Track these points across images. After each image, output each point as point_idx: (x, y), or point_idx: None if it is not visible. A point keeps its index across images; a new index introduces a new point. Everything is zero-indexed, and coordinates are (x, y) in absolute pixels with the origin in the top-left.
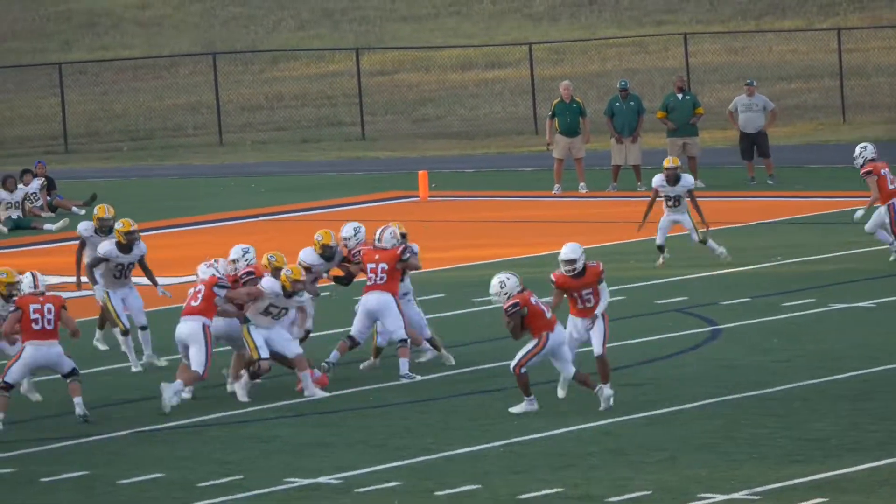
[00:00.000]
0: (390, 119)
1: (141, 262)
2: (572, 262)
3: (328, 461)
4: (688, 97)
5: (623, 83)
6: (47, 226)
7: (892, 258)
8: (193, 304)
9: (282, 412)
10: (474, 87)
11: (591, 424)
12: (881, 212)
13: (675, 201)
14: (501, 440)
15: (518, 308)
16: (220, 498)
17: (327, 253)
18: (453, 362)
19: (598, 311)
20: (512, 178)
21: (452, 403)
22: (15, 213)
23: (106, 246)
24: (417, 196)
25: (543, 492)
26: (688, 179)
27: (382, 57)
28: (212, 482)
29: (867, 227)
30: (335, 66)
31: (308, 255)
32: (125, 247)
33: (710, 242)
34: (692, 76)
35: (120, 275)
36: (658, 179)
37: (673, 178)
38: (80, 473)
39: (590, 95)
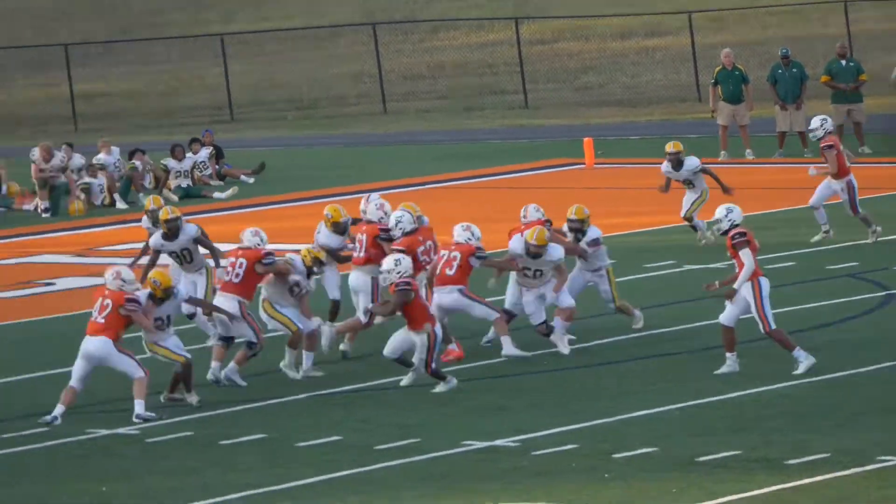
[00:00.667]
0: (552, 87)
1: (198, 242)
2: (717, 221)
3: (505, 424)
4: (851, 63)
5: (784, 50)
6: (217, 194)
7: (814, 239)
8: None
9: (458, 376)
10: (635, 56)
11: (770, 388)
12: (834, 187)
13: (689, 184)
14: (678, 403)
15: (409, 288)
16: (398, 461)
17: (339, 229)
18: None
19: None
20: None
21: (627, 367)
22: (184, 182)
23: (155, 237)
24: (583, 163)
25: (721, 454)
26: (691, 162)
27: (542, 26)
28: (389, 445)
29: (812, 201)
30: (494, 36)
31: (324, 236)
32: (169, 235)
33: (696, 221)
34: (853, 44)
35: (181, 261)
36: (664, 166)
37: (675, 163)
38: (259, 436)
39: (751, 63)
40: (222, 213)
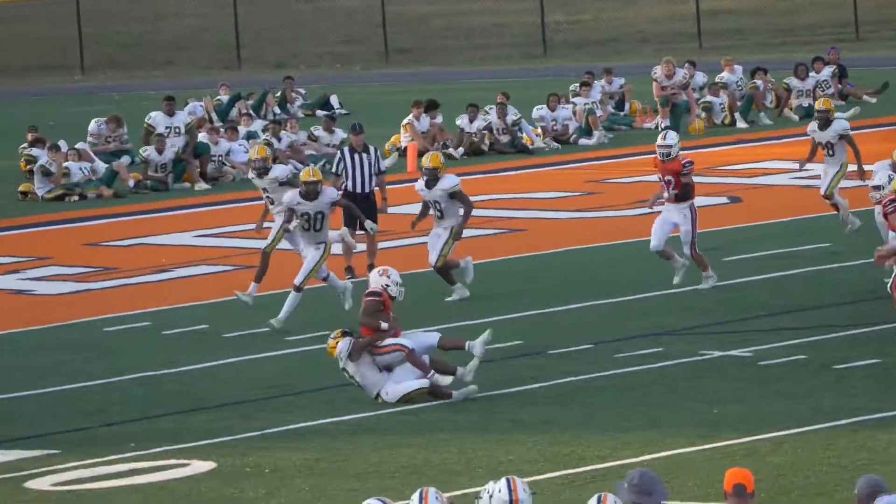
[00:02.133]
0: None
1: (336, 204)
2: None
3: None
4: None
5: None
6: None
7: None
8: None
9: None
10: None
11: None
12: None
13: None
14: None
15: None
16: None
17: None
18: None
19: None
20: None
21: None
22: (805, 102)
23: (289, 194)
24: None
25: None
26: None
27: None
28: None
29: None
30: None
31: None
32: (307, 195)
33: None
34: None
35: (309, 226)
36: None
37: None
38: (873, 361)
39: None
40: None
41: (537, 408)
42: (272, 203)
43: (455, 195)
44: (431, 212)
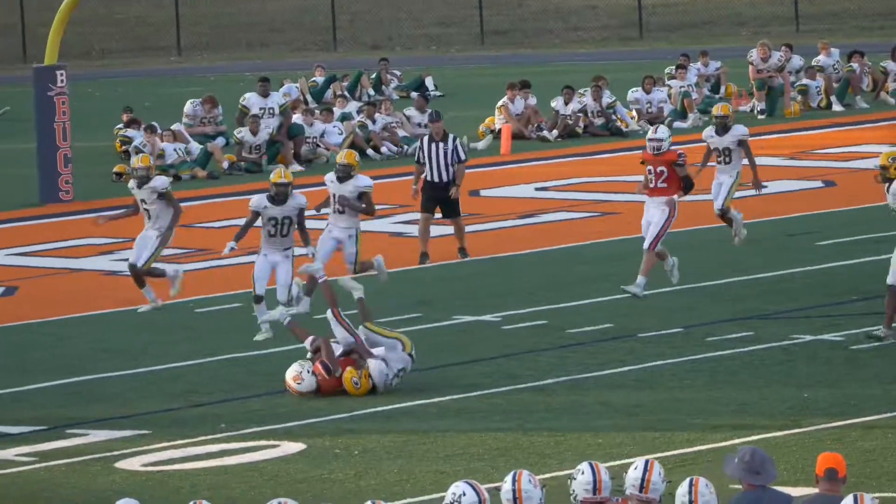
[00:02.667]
0: None
1: (299, 216)
2: None
3: None
4: None
5: None
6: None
7: None
8: None
9: None
10: None
11: None
12: None
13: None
14: None
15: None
16: None
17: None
18: None
19: None
20: None
21: None
22: None
23: (256, 197)
24: None
25: None
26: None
27: None
28: None
29: None
30: None
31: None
32: (276, 198)
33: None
34: None
35: (275, 232)
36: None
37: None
38: None
39: None
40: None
41: (627, 391)
42: (148, 217)
43: (364, 196)
44: (331, 207)
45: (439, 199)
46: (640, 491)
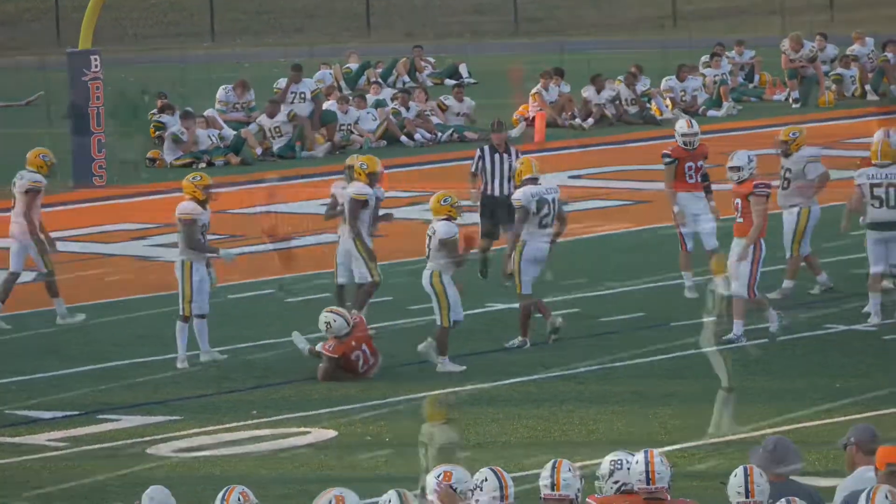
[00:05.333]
0: None
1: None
2: None
3: None
4: None
5: None
6: None
7: None
8: None
9: None
10: None
11: None
12: None
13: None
14: None
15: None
16: None
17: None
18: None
19: None
20: None
21: None
22: None
23: (184, 204)
24: None
25: None
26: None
27: None
28: None
29: None
30: None
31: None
32: (204, 203)
33: None
34: None
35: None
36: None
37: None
38: None
39: None
40: None
41: (658, 380)
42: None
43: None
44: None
45: (498, 215)
46: (647, 483)
